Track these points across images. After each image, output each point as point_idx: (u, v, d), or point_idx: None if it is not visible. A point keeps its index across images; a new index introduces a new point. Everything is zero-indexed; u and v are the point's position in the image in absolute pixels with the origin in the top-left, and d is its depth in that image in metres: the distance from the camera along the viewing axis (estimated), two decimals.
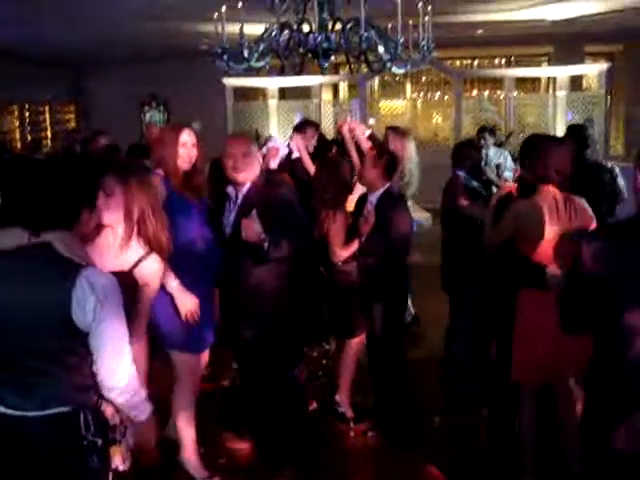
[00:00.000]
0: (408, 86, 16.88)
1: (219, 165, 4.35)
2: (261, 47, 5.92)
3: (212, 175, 5.01)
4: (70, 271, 2.44)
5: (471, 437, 4.91)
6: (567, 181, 4.00)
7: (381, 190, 4.85)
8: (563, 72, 13.52)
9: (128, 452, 3.14)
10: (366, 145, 5.50)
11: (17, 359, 2.51)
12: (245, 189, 4.14)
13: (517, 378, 4.13)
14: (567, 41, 14.92)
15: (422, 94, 16.91)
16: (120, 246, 3.30)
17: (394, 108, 16.31)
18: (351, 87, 17.28)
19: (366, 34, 5.73)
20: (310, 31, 6.02)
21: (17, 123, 15.84)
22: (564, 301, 2.78)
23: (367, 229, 4.69)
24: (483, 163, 6.45)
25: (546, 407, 4.22)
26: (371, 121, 14.61)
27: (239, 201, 4.15)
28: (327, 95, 16.23)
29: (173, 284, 3.87)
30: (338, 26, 6.06)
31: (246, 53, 5.76)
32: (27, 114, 16.13)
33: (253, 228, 3.87)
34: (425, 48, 6.14)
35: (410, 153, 6.05)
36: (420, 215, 7.25)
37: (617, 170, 6.45)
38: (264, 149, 5.90)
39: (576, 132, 5.98)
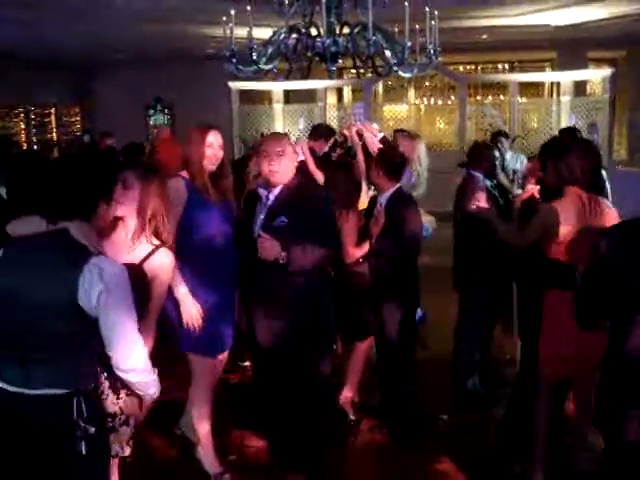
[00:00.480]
0: (412, 91, 16.93)
1: (239, 167, 4.35)
2: (269, 50, 5.98)
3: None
4: (81, 257, 2.55)
5: (478, 436, 4.95)
6: (591, 181, 4.01)
7: (390, 191, 4.88)
8: (568, 77, 13.56)
9: (130, 440, 3.24)
10: (375, 147, 5.52)
11: (20, 336, 2.60)
12: (277, 190, 4.06)
13: (544, 373, 4.16)
14: (570, 47, 14.97)
15: (426, 99, 16.96)
16: (131, 239, 3.36)
17: (398, 112, 16.35)
18: (355, 91, 17.32)
19: (374, 38, 5.79)
20: (318, 35, 6.08)
21: (23, 125, 15.92)
22: (580, 296, 2.86)
23: (377, 230, 4.75)
24: (500, 168, 6.48)
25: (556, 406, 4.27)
26: (375, 125, 14.62)
27: (270, 202, 4.07)
28: (331, 99, 16.28)
29: (182, 290, 3.91)
30: (345, 30, 6.12)
31: (255, 56, 5.82)
32: (33, 116, 16.22)
33: (269, 248, 3.85)
34: (431, 52, 6.20)
35: (420, 155, 6.11)
36: (424, 219, 7.29)
37: (604, 174, 6.45)
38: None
39: (569, 135, 6.00)
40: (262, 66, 5.95)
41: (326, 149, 6.51)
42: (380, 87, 15.91)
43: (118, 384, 3.03)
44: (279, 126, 13.71)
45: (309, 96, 14.68)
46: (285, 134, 4.46)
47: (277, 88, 14.09)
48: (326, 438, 4.44)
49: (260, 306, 4.10)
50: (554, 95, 15.69)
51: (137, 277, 3.24)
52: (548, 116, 13.70)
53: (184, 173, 4.05)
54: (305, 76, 6.78)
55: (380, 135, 5.69)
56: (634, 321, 2.60)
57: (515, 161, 8.76)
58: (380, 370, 5.12)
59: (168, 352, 4.33)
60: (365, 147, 5.60)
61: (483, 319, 5.37)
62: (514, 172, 7.54)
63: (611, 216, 4.00)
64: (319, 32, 6.09)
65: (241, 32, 5.80)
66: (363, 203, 5.28)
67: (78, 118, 17.68)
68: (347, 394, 5.14)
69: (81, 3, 9.21)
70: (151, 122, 17.37)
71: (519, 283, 5.07)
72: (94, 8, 9.60)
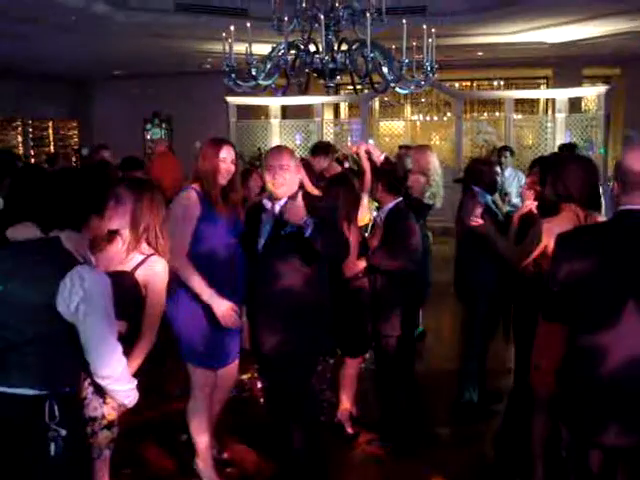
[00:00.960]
0: (408, 107, 17.04)
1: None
2: (268, 66, 6.03)
3: None
4: (66, 264, 2.63)
5: (476, 449, 4.96)
6: (589, 199, 4.05)
7: (390, 205, 4.92)
8: (564, 94, 13.66)
9: (111, 443, 3.30)
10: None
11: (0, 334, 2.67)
12: (283, 202, 4.02)
13: (536, 383, 4.17)
14: (565, 64, 15.11)
15: (422, 115, 17.06)
16: (125, 251, 3.45)
17: (394, 128, 16.45)
18: (351, 107, 17.45)
19: (372, 55, 5.86)
20: (316, 51, 6.14)
21: (20, 138, 15.98)
22: (544, 292, 2.97)
23: (375, 243, 4.78)
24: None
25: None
26: (370, 141, 14.73)
27: (276, 211, 4.03)
28: (328, 114, 16.37)
29: (205, 296, 3.94)
30: (344, 47, 6.18)
31: (254, 71, 5.87)
32: (30, 130, 16.28)
33: (298, 210, 3.86)
34: (428, 69, 6.26)
35: (434, 166, 6.16)
36: None
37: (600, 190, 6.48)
38: None
39: (569, 151, 6.04)
40: (261, 82, 5.99)
41: (325, 165, 6.56)
42: (377, 103, 16.00)
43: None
44: (276, 141, 13.77)
45: (306, 111, 14.77)
46: (288, 148, 4.45)
47: (274, 103, 14.17)
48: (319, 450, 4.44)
49: (262, 317, 4.10)
50: (549, 112, 15.81)
51: (129, 284, 3.37)
52: (543, 133, 13.78)
53: (195, 185, 4.10)
54: (303, 92, 6.83)
55: (382, 156, 5.72)
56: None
57: (513, 178, 8.79)
58: (379, 384, 5.14)
59: (175, 360, 4.40)
60: (373, 165, 5.63)
61: (485, 330, 5.40)
62: (505, 194, 7.55)
63: None
64: (317, 49, 6.15)
65: (239, 48, 5.87)
66: (363, 219, 5.32)
67: (76, 132, 17.73)
68: (345, 408, 5.16)
69: (80, 17, 9.29)
70: (148, 136, 17.41)
71: (515, 297, 5.09)
72: (93, 22, 9.69)
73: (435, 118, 16.82)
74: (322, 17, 5.85)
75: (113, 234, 3.46)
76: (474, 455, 4.87)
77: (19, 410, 2.65)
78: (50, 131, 16.92)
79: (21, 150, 15.72)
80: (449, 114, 16.16)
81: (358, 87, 6.83)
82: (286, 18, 5.96)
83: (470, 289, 5.43)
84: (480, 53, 13.97)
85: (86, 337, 2.68)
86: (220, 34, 6.12)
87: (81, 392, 3.03)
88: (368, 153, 5.55)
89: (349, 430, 5.11)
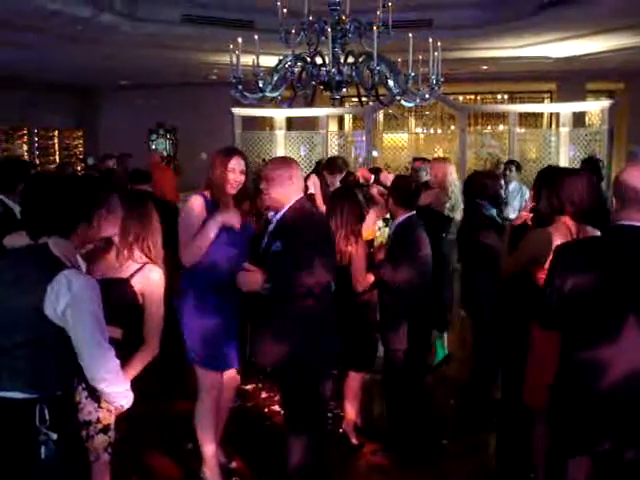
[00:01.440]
0: (412, 120, 17.08)
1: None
2: (275, 78, 6.09)
3: None
4: (54, 269, 2.68)
5: (480, 460, 4.98)
6: (583, 213, 4.08)
7: (401, 218, 4.93)
8: (568, 108, 13.67)
9: (109, 447, 3.35)
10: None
11: None
12: (279, 215, 3.96)
13: (529, 401, 4.19)
14: (569, 78, 15.17)
15: (425, 128, 17.10)
16: (117, 259, 3.53)
17: (397, 141, 16.48)
18: (356, 119, 17.49)
19: (378, 68, 5.91)
20: (323, 64, 6.19)
21: (26, 147, 16.06)
22: (540, 301, 2.99)
23: (381, 256, 4.80)
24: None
25: None
26: (375, 153, 14.77)
27: (271, 227, 3.99)
28: (332, 126, 16.41)
29: (210, 223, 4.00)
30: (350, 59, 6.23)
31: (261, 83, 5.91)
32: (36, 139, 16.36)
33: (247, 281, 3.75)
34: (434, 83, 6.31)
35: (452, 178, 6.18)
36: None
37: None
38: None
39: (592, 165, 6.02)
40: (268, 94, 6.05)
41: (338, 183, 6.59)
42: (381, 115, 16.04)
43: (98, 393, 3.11)
44: (281, 152, 13.78)
45: (310, 123, 14.82)
46: (287, 159, 4.38)
47: (279, 115, 14.21)
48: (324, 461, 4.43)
49: (263, 330, 4.04)
50: (553, 126, 15.84)
51: (125, 290, 3.45)
52: (547, 147, 13.80)
53: (206, 192, 4.15)
54: (309, 104, 6.88)
55: (391, 176, 5.76)
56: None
57: (517, 193, 8.79)
58: (387, 395, 5.14)
59: (180, 367, 4.43)
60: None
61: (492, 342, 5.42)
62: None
63: None
64: (324, 61, 6.20)
65: (246, 59, 5.92)
66: (372, 233, 5.34)
67: (81, 141, 17.81)
68: (349, 418, 5.17)
69: (87, 27, 9.35)
70: (153, 147, 17.46)
71: (505, 309, 5.08)
72: (100, 32, 9.75)
73: (439, 131, 16.86)
74: (329, 30, 5.91)
75: (109, 243, 3.55)
76: (479, 465, 4.89)
77: (9, 413, 2.68)
78: (56, 140, 16.99)
79: (26, 159, 15.75)
80: (452, 127, 16.20)
81: (364, 99, 6.88)
82: (293, 31, 6.02)
83: (477, 302, 5.45)
84: (484, 67, 14.03)
85: (77, 340, 2.71)
86: (226, 46, 6.17)
87: (74, 396, 3.06)
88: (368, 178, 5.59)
89: (354, 440, 5.13)
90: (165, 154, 16.13)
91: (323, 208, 5.51)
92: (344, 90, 6.41)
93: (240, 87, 6.03)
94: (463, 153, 13.62)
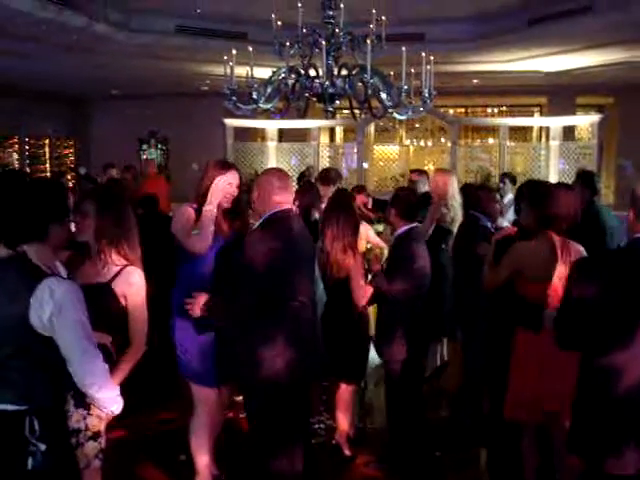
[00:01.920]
0: (402, 132, 17.16)
1: None
2: (269, 90, 6.11)
3: None
4: (34, 278, 2.66)
5: (472, 473, 5.00)
6: (567, 226, 4.12)
7: (401, 230, 4.92)
8: (558, 122, 13.81)
9: (100, 453, 3.34)
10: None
11: None
12: (255, 225, 3.97)
13: (513, 416, 4.21)
14: (560, 92, 15.29)
15: (416, 140, 17.18)
16: (94, 261, 3.50)
17: (388, 153, 16.54)
18: (347, 131, 17.57)
19: (371, 81, 5.94)
20: (316, 76, 6.22)
21: (16, 156, 16.03)
22: (559, 318, 3.02)
23: (377, 267, 4.80)
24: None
25: (544, 443, 4.32)
26: (365, 165, 14.85)
27: None
28: (324, 138, 16.49)
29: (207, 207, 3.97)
30: (343, 72, 6.26)
31: (255, 95, 5.94)
32: (27, 147, 16.33)
33: (196, 307, 3.75)
34: (426, 96, 6.35)
35: (453, 190, 6.19)
36: None
37: None
38: None
39: (587, 179, 6.05)
40: (262, 105, 6.07)
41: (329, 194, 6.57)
42: (372, 128, 16.12)
43: (87, 400, 3.11)
44: (272, 163, 13.86)
45: (301, 134, 14.89)
46: (276, 170, 4.34)
47: (271, 126, 14.28)
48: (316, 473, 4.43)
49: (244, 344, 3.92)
50: (542, 139, 15.96)
51: (107, 296, 3.42)
52: (537, 160, 13.91)
53: (196, 205, 4.09)
54: (302, 116, 6.90)
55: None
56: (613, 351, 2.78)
57: (512, 205, 8.80)
58: (388, 405, 5.15)
59: (173, 381, 4.41)
60: None
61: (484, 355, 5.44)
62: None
63: None
64: (318, 73, 6.23)
65: (239, 71, 5.95)
66: (362, 245, 5.35)
67: (72, 150, 17.78)
68: (342, 429, 5.17)
69: (81, 37, 9.36)
70: (144, 156, 17.45)
71: (491, 321, 5.10)
72: (94, 42, 9.77)
73: (429, 143, 16.94)
74: (323, 43, 5.94)
75: (86, 249, 3.53)
76: (472, 479, 4.90)
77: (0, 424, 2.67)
78: (47, 149, 16.98)
79: (17, 167, 15.74)
80: (443, 140, 16.29)
81: (356, 112, 6.91)
82: (288, 43, 6.06)
83: (468, 314, 5.47)
84: (475, 80, 14.12)
85: (64, 347, 2.70)
86: (219, 57, 6.20)
87: (64, 405, 3.06)
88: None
89: (346, 452, 5.12)
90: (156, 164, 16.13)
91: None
92: (337, 102, 6.44)
93: (234, 98, 6.05)
94: (454, 166, 13.70)
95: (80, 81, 14.05)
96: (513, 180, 9.39)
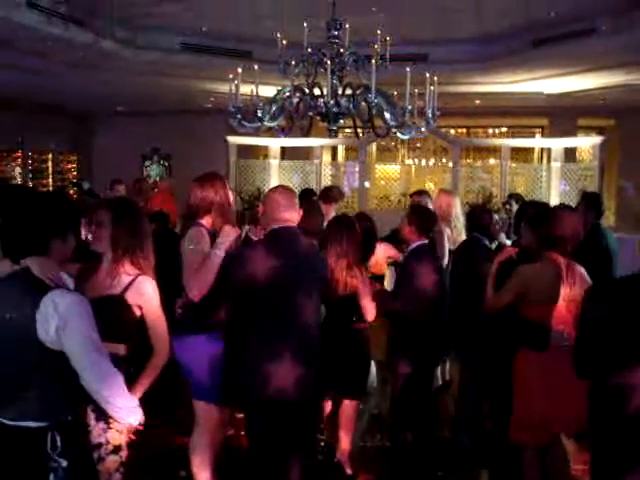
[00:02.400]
0: (404, 152, 17.21)
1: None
2: (274, 108, 6.16)
3: None
4: (38, 292, 2.65)
5: None
6: (572, 248, 4.13)
7: (412, 245, 5.00)
8: (560, 144, 13.87)
9: (121, 467, 3.31)
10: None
11: None
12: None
13: (519, 439, 4.21)
14: (561, 114, 15.35)
15: (417, 160, 17.21)
16: (108, 271, 3.46)
17: (389, 172, 16.57)
18: (349, 149, 17.62)
19: (375, 100, 5.99)
20: (321, 95, 6.27)
21: (19, 170, 16.06)
22: (577, 348, 2.98)
23: (378, 285, 4.84)
24: (506, 229, 6.65)
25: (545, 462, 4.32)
26: (366, 184, 14.89)
27: None
28: (326, 156, 16.53)
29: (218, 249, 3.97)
30: (348, 91, 6.31)
31: (260, 113, 5.98)
32: (30, 162, 16.38)
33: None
34: (430, 116, 6.40)
35: (456, 211, 6.21)
36: None
37: None
38: None
39: (592, 200, 6.04)
40: (266, 123, 6.12)
41: (333, 213, 6.60)
42: (374, 147, 16.17)
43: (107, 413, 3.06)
44: (274, 181, 13.91)
45: (303, 152, 14.94)
46: (283, 188, 4.42)
47: (274, 144, 14.33)
48: None
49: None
50: (544, 160, 16.00)
51: (120, 307, 3.39)
52: (538, 181, 13.95)
53: (204, 221, 4.14)
54: (306, 134, 6.94)
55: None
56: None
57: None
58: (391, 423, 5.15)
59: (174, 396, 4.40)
60: None
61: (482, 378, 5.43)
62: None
63: (585, 282, 4.08)
64: (322, 92, 6.28)
65: (243, 89, 6.00)
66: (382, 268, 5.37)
67: (75, 165, 17.81)
68: (344, 448, 5.16)
69: (88, 53, 9.43)
70: (146, 172, 17.48)
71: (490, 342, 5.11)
72: (100, 59, 9.83)
73: (431, 163, 16.98)
74: (328, 62, 5.99)
75: (98, 260, 3.52)
76: None
77: (21, 442, 2.66)
78: (49, 163, 17.01)
79: (19, 181, 15.78)
80: (444, 160, 16.33)
81: (359, 131, 6.96)
82: (293, 62, 6.11)
83: (469, 334, 5.47)
84: (478, 101, 14.18)
85: (74, 360, 2.68)
86: (224, 75, 6.25)
87: (83, 418, 3.04)
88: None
89: (348, 470, 5.10)
90: (158, 180, 16.20)
91: None
92: (341, 121, 6.49)
93: (239, 116, 6.10)
94: (455, 186, 13.73)
95: (84, 97, 14.10)
96: (519, 201, 9.39)
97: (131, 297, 3.42)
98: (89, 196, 10.81)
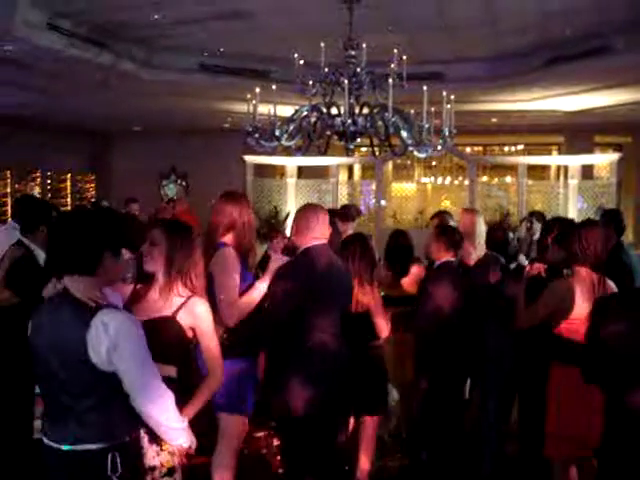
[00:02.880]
0: (420, 170, 17.23)
1: None
2: (291, 127, 6.21)
3: None
4: (84, 315, 2.61)
5: None
6: (601, 263, 4.14)
7: (439, 262, 5.04)
8: (577, 161, 13.85)
9: None
10: None
11: (54, 395, 2.71)
12: None
13: (552, 453, 4.18)
14: (578, 131, 15.33)
15: (434, 178, 17.22)
16: (160, 293, 3.44)
17: (406, 191, 16.58)
18: (365, 168, 17.65)
19: (393, 119, 6.02)
20: (338, 114, 6.31)
21: (38, 190, 16.20)
22: (585, 352, 3.01)
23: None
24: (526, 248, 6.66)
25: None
26: (382, 202, 14.89)
27: None
28: (342, 175, 16.57)
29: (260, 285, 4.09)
30: (365, 110, 6.35)
31: (277, 132, 6.03)
32: (49, 181, 16.54)
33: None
34: (447, 134, 6.42)
35: (480, 229, 6.24)
36: None
37: None
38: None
39: (612, 217, 6.00)
40: (284, 142, 6.17)
41: (351, 231, 6.62)
42: (390, 165, 16.19)
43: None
44: (291, 200, 13.97)
45: (320, 171, 14.98)
46: (312, 206, 4.53)
47: (291, 163, 14.38)
48: None
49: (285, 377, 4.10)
50: (560, 178, 15.96)
51: (172, 328, 3.35)
52: (555, 198, 13.91)
53: (226, 239, 4.16)
54: (323, 153, 6.97)
55: None
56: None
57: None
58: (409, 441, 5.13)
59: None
60: None
61: (502, 394, 5.39)
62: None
63: None
64: (339, 111, 6.32)
65: (261, 109, 6.05)
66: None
67: (93, 185, 17.97)
68: (363, 468, 5.13)
69: (107, 74, 9.52)
70: (163, 192, 17.59)
71: (520, 359, 5.08)
72: (118, 79, 9.92)
73: (447, 182, 16.98)
74: (345, 82, 6.03)
75: (150, 281, 3.49)
76: None
77: (81, 465, 2.66)
78: (68, 183, 17.16)
79: None
80: (461, 178, 16.33)
81: (378, 149, 6.99)
82: (310, 82, 6.15)
83: (491, 353, 5.43)
84: (494, 119, 14.18)
85: (127, 381, 2.66)
86: (241, 95, 6.30)
87: (139, 440, 2.98)
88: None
89: None
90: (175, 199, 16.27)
91: None
92: (358, 140, 6.52)
93: (257, 135, 6.15)
94: (472, 204, 13.71)
95: (103, 117, 14.24)
96: (540, 218, 9.33)
97: (183, 318, 3.39)
98: None
